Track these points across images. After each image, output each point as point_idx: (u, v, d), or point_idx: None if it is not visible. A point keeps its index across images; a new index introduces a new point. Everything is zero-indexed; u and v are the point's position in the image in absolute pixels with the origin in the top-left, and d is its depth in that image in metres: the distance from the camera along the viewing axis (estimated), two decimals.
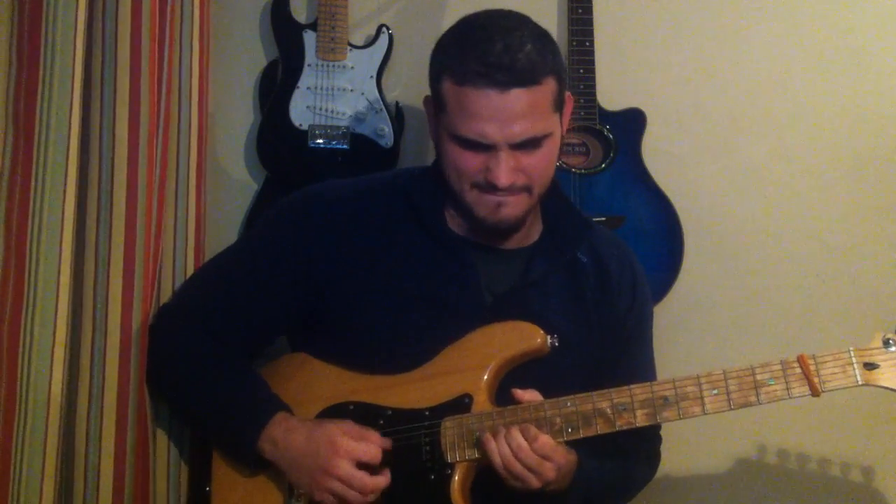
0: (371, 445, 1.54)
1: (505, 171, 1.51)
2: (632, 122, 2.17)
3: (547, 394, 1.55)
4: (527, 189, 1.57)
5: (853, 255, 2.22)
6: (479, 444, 1.52)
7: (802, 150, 2.23)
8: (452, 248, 1.64)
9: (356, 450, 1.53)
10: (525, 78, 1.48)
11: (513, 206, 1.57)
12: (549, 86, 1.52)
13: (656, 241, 2.15)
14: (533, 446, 1.48)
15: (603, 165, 2.13)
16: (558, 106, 1.57)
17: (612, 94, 2.16)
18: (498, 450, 1.49)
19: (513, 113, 1.49)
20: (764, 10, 2.23)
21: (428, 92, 1.63)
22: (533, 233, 1.70)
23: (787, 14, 2.23)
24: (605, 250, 1.73)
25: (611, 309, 1.70)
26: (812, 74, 2.22)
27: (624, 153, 2.15)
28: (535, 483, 1.49)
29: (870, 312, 2.21)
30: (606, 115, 2.14)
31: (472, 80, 1.48)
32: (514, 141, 1.51)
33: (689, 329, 2.22)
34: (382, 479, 1.54)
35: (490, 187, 1.54)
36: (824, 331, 2.21)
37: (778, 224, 2.23)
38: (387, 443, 1.55)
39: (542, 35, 1.55)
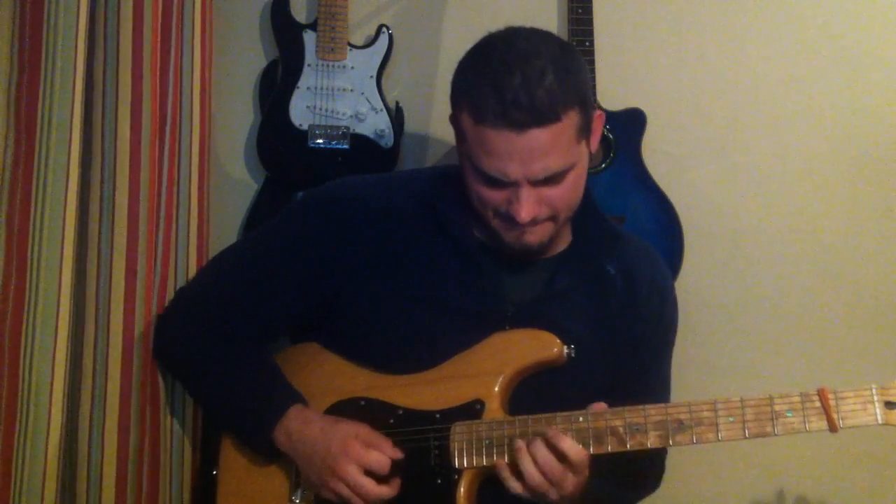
0: (382, 456, 1.53)
1: (526, 207, 1.47)
2: (632, 122, 2.16)
3: (559, 402, 1.52)
4: (551, 218, 1.53)
5: (853, 254, 2.22)
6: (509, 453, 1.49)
7: (802, 150, 2.23)
8: (476, 256, 1.60)
9: (366, 457, 1.52)
10: (544, 117, 1.41)
11: (537, 234, 1.54)
12: (571, 119, 1.44)
13: (656, 241, 2.12)
14: (568, 460, 1.45)
15: (603, 165, 2.13)
16: (584, 133, 1.50)
17: (612, 94, 2.16)
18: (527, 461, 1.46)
19: (533, 152, 1.43)
20: (764, 10, 2.23)
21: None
22: (561, 243, 1.66)
23: (786, 14, 2.23)
24: (636, 265, 1.69)
25: (635, 324, 1.66)
26: (812, 74, 2.22)
27: (624, 153, 2.14)
28: (553, 497, 1.47)
29: (870, 312, 2.21)
30: (606, 115, 2.13)
31: (489, 119, 1.42)
32: (535, 178, 1.46)
33: (688, 329, 2.20)
34: (387, 490, 1.53)
35: (513, 221, 1.50)
36: (824, 331, 2.22)
37: (778, 224, 2.23)
38: (398, 453, 1.54)
39: (565, 58, 1.47)
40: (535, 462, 1.45)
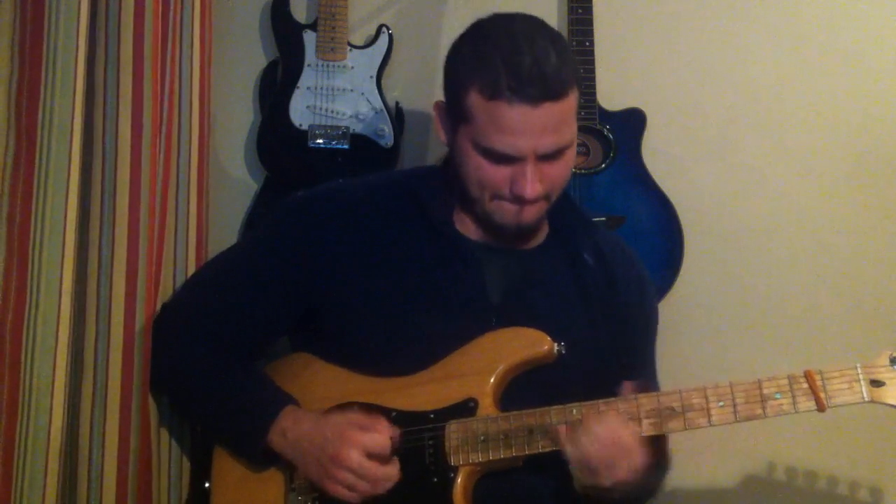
0: (380, 436, 1.52)
1: (532, 183, 1.52)
2: (632, 122, 2.17)
3: (551, 392, 1.54)
4: (546, 197, 1.58)
5: (853, 254, 2.22)
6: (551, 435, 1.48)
7: (802, 150, 2.23)
8: (459, 248, 1.63)
9: (365, 440, 1.51)
10: (555, 92, 1.49)
11: (531, 213, 1.58)
12: (573, 97, 1.53)
13: (656, 241, 2.15)
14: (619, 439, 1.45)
15: (603, 165, 2.14)
16: (577, 113, 1.58)
17: (612, 94, 2.16)
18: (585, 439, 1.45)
19: (544, 126, 1.49)
20: (763, 11, 2.23)
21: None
22: (540, 234, 1.70)
23: (786, 14, 2.23)
24: (610, 252, 1.73)
25: (617, 308, 1.69)
26: (812, 75, 2.23)
27: (624, 153, 2.15)
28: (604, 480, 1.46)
29: (870, 312, 2.21)
30: (606, 115, 2.14)
31: (504, 95, 1.48)
32: (544, 152, 1.51)
33: (688, 329, 2.22)
34: (393, 469, 1.52)
35: (515, 199, 1.55)
36: (824, 331, 2.22)
37: (778, 224, 2.23)
38: (395, 431, 1.54)
39: (560, 41, 1.55)
40: (594, 438, 1.45)
